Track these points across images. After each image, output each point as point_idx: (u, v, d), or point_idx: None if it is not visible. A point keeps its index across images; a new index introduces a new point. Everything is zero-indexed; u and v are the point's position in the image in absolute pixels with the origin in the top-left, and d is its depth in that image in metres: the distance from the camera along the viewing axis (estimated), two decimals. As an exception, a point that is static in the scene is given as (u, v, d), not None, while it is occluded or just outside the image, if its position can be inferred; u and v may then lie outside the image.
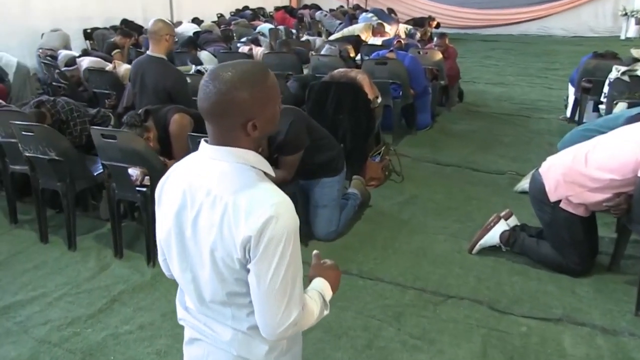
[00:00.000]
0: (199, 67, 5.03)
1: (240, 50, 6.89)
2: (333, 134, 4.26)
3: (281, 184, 3.10)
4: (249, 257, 1.22)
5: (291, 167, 3.14)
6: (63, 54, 7.41)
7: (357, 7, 15.58)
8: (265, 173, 1.31)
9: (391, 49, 5.76)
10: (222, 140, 1.28)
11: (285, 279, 1.23)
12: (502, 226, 3.30)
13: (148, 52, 4.11)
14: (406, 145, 5.57)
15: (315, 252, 1.55)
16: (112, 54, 7.25)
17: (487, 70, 10.18)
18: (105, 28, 11.02)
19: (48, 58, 7.07)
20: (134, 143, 3.16)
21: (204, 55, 6.70)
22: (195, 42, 6.66)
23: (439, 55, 6.48)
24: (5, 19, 9.07)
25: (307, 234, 3.51)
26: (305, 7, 15.59)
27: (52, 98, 4.14)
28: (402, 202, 4.22)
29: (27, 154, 3.52)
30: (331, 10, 14.88)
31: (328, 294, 1.43)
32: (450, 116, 6.78)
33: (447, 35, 6.92)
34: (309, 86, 4.34)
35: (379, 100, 4.84)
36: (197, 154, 1.34)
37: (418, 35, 13.40)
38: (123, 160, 3.22)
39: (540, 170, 3.11)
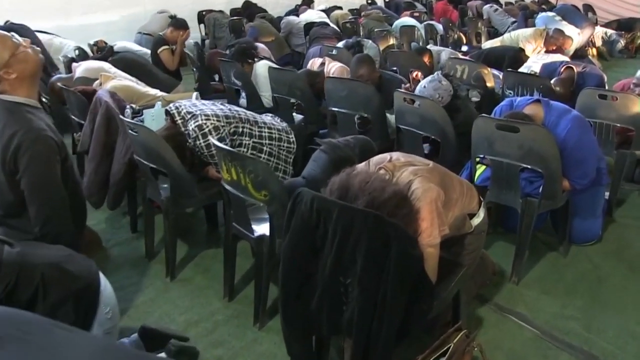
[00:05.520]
0: (143, 115, 2.85)
1: (310, 64, 4.57)
2: (331, 321, 1.90)
3: None
4: None
5: None
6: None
7: (543, 1, 12.21)
8: None
9: (535, 97, 3.04)
10: None
11: None
12: None
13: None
14: (534, 287, 2.90)
15: None
16: (158, 51, 5.44)
17: None
18: (219, 11, 9.33)
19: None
20: None
21: (259, 67, 4.51)
22: (246, 53, 4.51)
23: (638, 105, 3.60)
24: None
25: None
26: (480, -3, 12.55)
27: None
28: None
29: None
30: (507, 3, 11.74)
31: None
32: (643, 208, 3.88)
33: (661, 68, 3.95)
34: (292, 197, 1.95)
35: (479, 219, 2.31)
36: None
37: (621, 43, 9.98)
38: None
39: None
